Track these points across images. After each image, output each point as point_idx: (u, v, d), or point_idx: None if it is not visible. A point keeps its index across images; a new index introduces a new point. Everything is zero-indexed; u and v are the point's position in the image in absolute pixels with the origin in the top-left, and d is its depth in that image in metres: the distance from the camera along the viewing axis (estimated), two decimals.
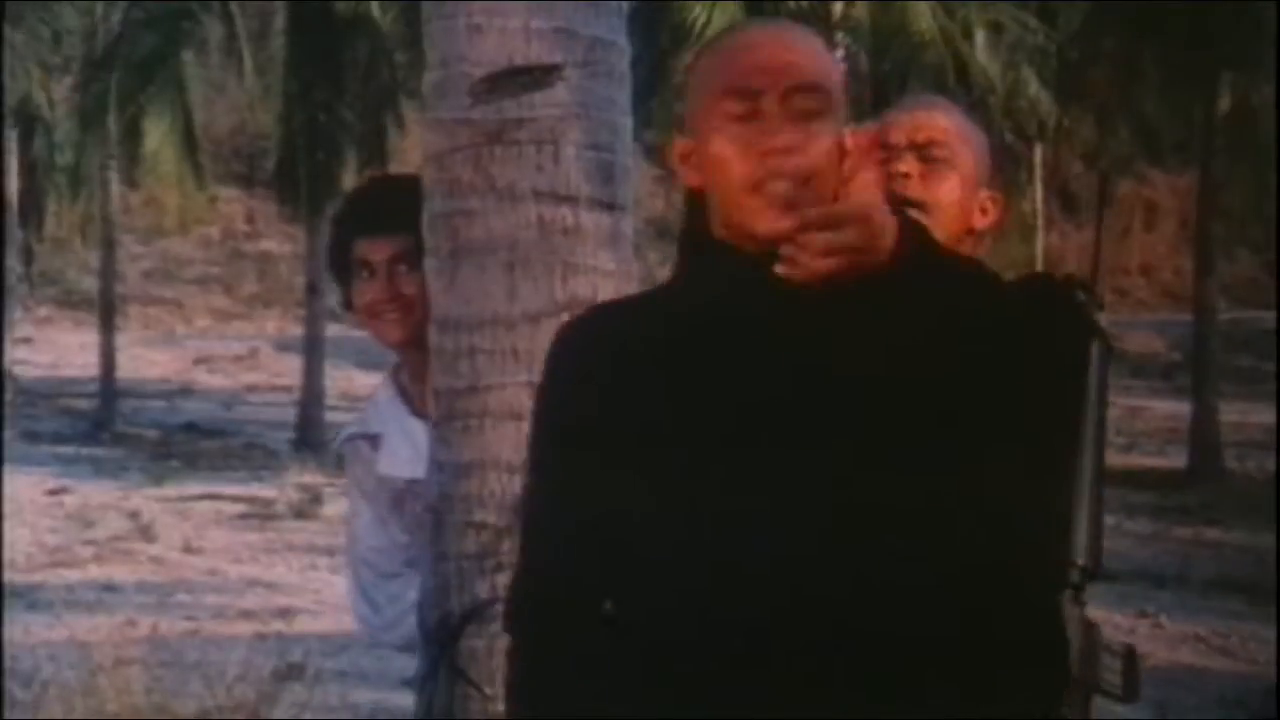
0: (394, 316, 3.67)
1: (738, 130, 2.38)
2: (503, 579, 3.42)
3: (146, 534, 16.49)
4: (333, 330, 25.67)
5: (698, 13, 22.17)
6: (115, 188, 27.08)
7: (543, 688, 2.40)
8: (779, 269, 2.34)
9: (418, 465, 3.61)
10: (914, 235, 2.42)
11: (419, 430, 3.64)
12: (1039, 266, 27.88)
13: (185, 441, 24.61)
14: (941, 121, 3.01)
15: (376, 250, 3.66)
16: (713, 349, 2.39)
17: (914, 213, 2.78)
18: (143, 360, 29.61)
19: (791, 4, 22.97)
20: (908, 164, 3.01)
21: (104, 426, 25.50)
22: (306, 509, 17.99)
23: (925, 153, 3.03)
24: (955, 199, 3.00)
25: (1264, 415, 23.71)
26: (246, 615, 12.50)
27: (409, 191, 3.66)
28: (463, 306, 3.56)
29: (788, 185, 2.36)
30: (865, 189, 2.77)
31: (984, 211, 3.09)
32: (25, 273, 30.32)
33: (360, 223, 3.72)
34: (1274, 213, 24.37)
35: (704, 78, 2.45)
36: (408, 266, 3.64)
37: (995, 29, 23.79)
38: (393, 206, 3.67)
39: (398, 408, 3.74)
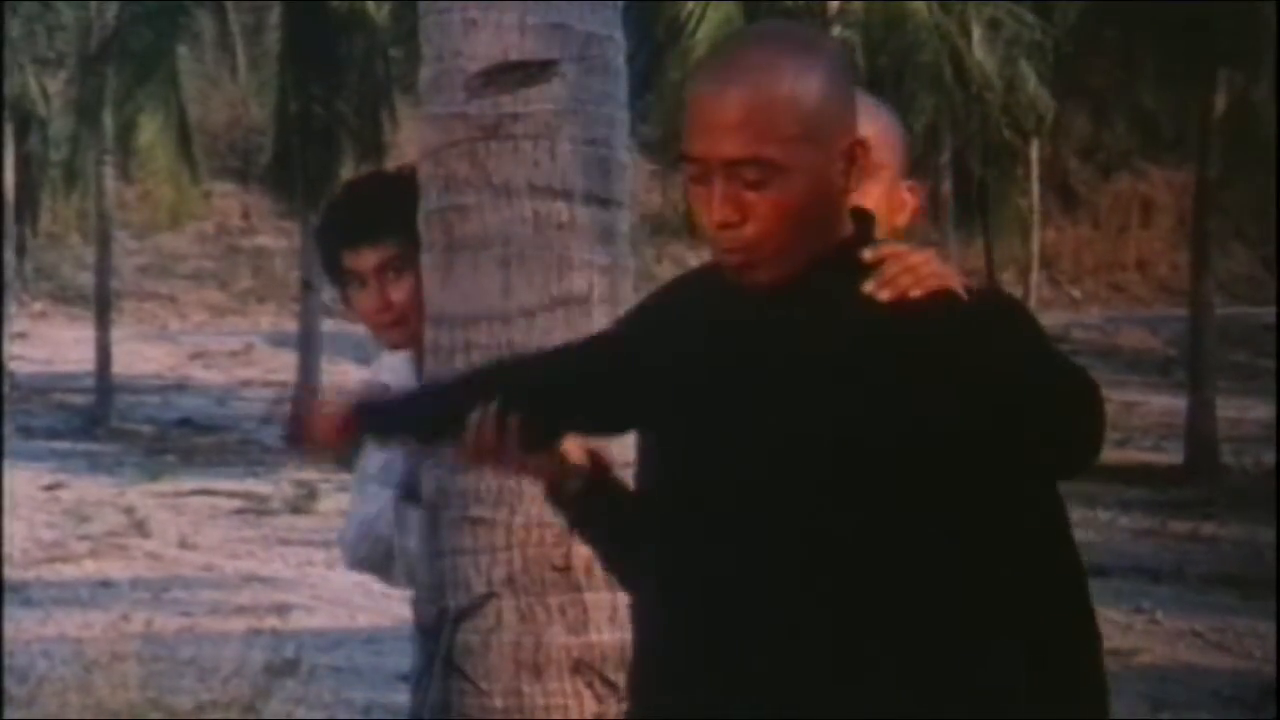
0: (390, 322, 3.69)
1: (696, 189, 2.37)
2: (499, 574, 3.54)
3: (142, 529, 16.49)
4: (328, 325, 25.66)
5: (691, 7, 22.10)
6: (110, 183, 26.97)
7: None
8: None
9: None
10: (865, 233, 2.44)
11: None
12: (1035, 263, 27.94)
13: (180, 437, 24.57)
14: (867, 132, 2.95)
15: (361, 260, 3.65)
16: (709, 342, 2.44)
17: None
18: (138, 355, 29.47)
19: (787, 1, 22.94)
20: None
21: (99, 422, 25.45)
22: (302, 504, 17.98)
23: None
24: (881, 207, 2.87)
25: (1260, 410, 23.76)
26: (242, 611, 12.48)
27: (388, 194, 3.71)
28: (458, 302, 3.58)
29: (734, 250, 2.36)
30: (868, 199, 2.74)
31: (904, 204, 3.03)
32: (19, 268, 30.27)
33: (341, 235, 3.70)
34: (1271, 208, 24.35)
35: (687, 110, 2.41)
36: (395, 272, 3.65)
37: (993, 25, 23.77)
38: (371, 214, 3.68)
39: (407, 372, 3.74)
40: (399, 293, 3.65)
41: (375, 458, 3.71)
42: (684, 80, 21.96)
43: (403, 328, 3.68)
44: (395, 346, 3.74)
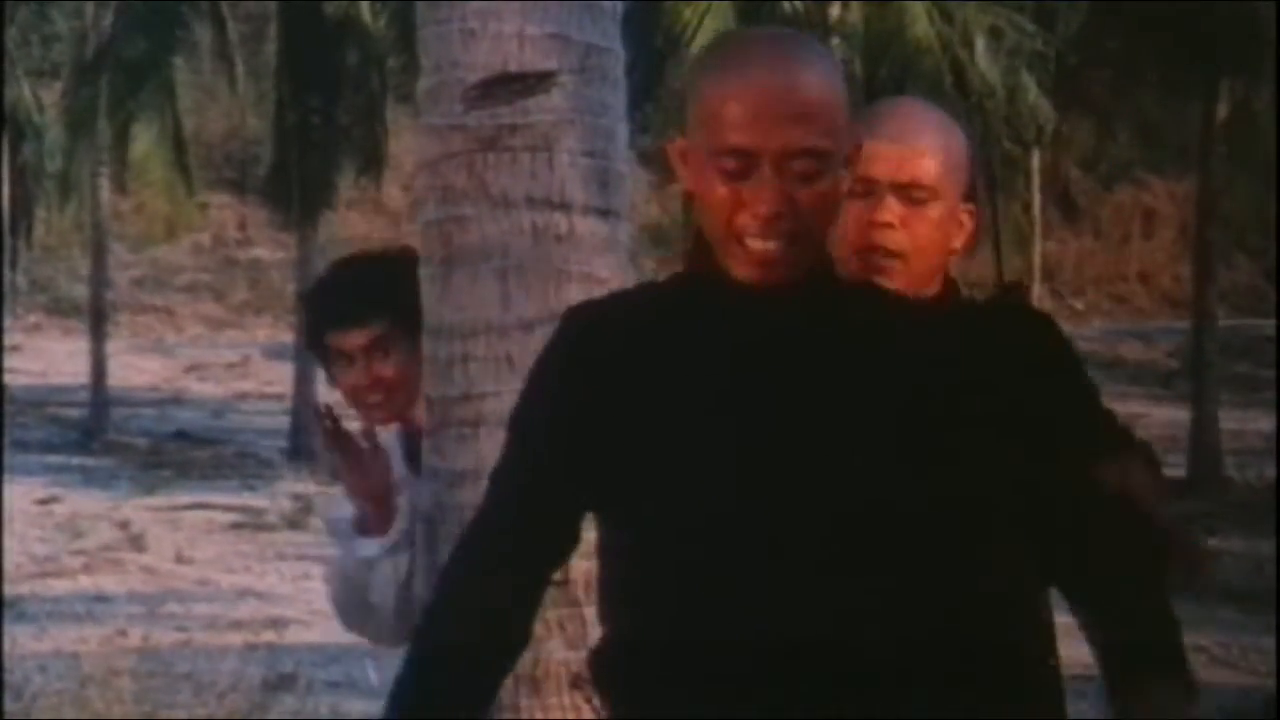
0: (376, 400, 3.68)
1: (730, 184, 2.34)
2: None
3: (137, 544, 16.54)
4: None
5: (688, 16, 22.03)
6: (105, 194, 26.99)
7: None
8: None
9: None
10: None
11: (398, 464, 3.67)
12: (1037, 274, 27.90)
13: (176, 450, 24.57)
14: (928, 162, 2.83)
15: (349, 340, 3.66)
16: (703, 359, 2.41)
17: (891, 262, 2.79)
18: (133, 368, 29.52)
19: (786, 6, 22.91)
20: (889, 211, 2.83)
21: (94, 435, 25.44)
22: (299, 518, 17.96)
23: (909, 194, 2.85)
24: (936, 236, 2.86)
25: (1264, 423, 23.71)
26: (238, 625, 12.52)
27: (377, 273, 3.71)
28: (456, 313, 3.59)
29: (775, 245, 2.34)
30: (846, 227, 2.74)
31: (961, 227, 2.93)
32: (13, 280, 30.24)
33: (329, 315, 3.71)
34: (1273, 219, 24.33)
35: (706, 104, 2.38)
36: (384, 352, 3.66)
37: (994, 34, 23.73)
38: (360, 295, 3.68)
39: (395, 444, 3.73)
40: (387, 370, 3.66)
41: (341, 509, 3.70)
42: (688, 76, 21.99)
43: (388, 404, 3.69)
44: (379, 422, 3.70)
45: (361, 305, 3.65)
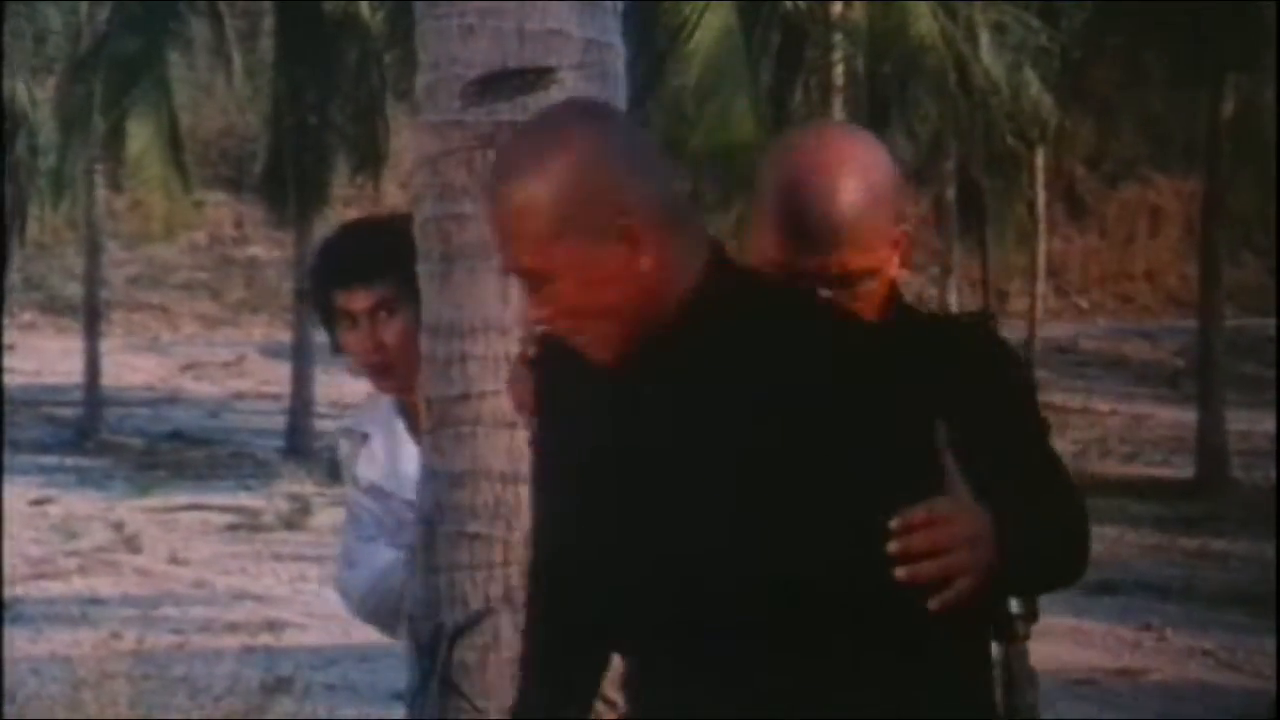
0: (380, 364, 3.80)
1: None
2: (495, 590, 3.57)
3: (131, 545, 16.52)
4: (322, 336, 25.39)
5: (687, 12, 21.95)
6: (100, 191, 27.02)
7: None
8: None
9: (392, 478, 3.80)
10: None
11: (404, 444, 3.81)
12: (1041, 273, 27.79)
13: (171, 450, 24.53)
14: (858, 255, 2.67)
15: (355, 301, 3.77)
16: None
17: None
18: (128, 367, 29.57)
19: (788, 5, 22.91)
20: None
21: (88, 435, 25.39)
22: (295, 519, 18.01)
23: (847, 282, 2.70)
24: (877, 295, 2.74)
25: (1271, 423, 23.71)
26: (234, 628, 12.54)
27: (383, 237, 3.81)
28: (454, 311, 3.59)
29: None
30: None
31: (897, 257, 2.78)
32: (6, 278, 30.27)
33: (335, 275, 3.82)
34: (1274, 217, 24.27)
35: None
36: (388, 313, 3.76)
37: (998, 30, 23.67)
38: (366, 256, 3.79)
39: (391, 416, 3.88)
40: (390, 334, 3.75)
41: (347, 461, 3.85)
42: (682, 89, 22.04)
43: (392, 372, 3.78)
44: (385, 390, 3.82)
45: (368, 266, 3.74)
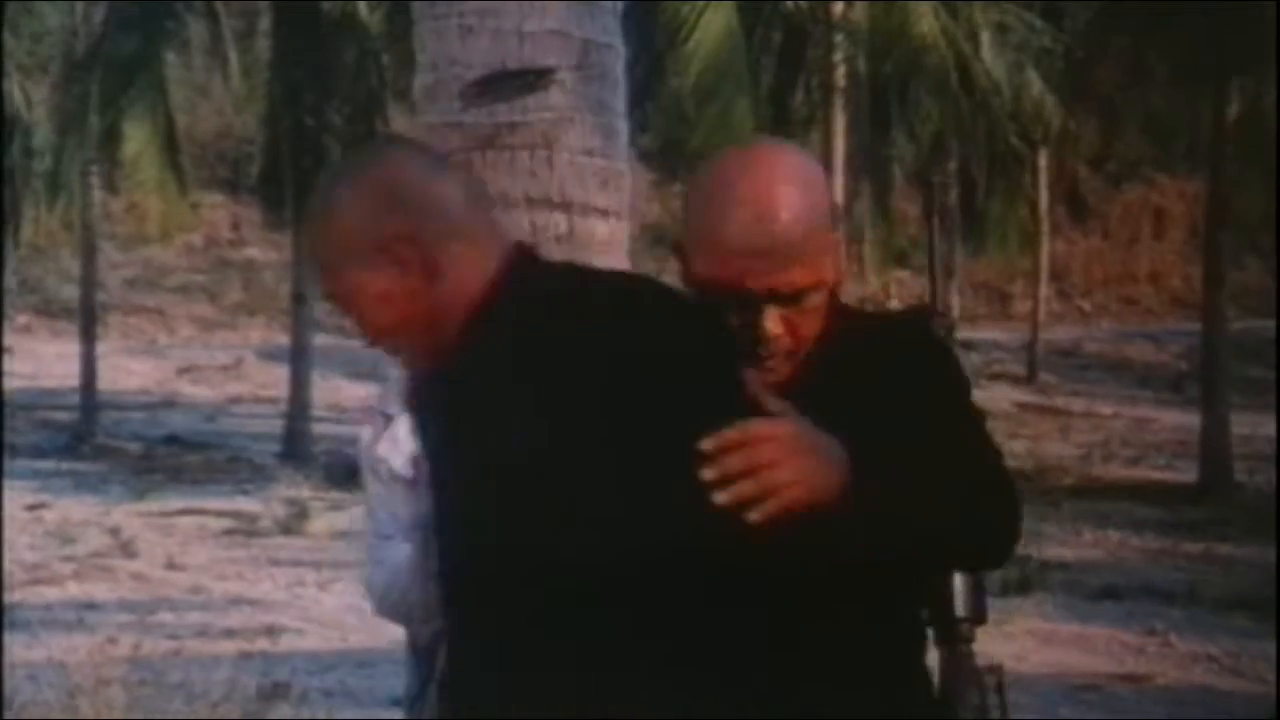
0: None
1: None
2: None
3: (128, 550, 16.44)
4: (320, 340, 25.81)
5: (687, 13, 21.90)
6: (96, 193, 27.00)
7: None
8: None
9: (417, 464, 3.65)
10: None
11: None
12: (1044, 275, 27.77)
13: (168, 454, 24.46)
14: (806, 272, 2.70)
15: None
16: None
17: (783, 362, 2.74)
18: (124, 371, 29.61)
19: (789, 5, 22.89)
20: (773, 322, 2.71)
21: (84, 439, 25.34)
22: (293, 524, 17.91)
23: (798, 298, 2.72)
24: (820, 309, 2.77)
25: (1275, 427, 23.53)
26: (231, 634, 12.47)
27: None
28: None
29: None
30: None
31: (835, 265, 2.81)
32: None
33: None
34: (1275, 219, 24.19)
35: None
36: None
37: (1000, 30, 23.64)
38: None
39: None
40: None
41: (368, 442, 3.72)
42: (681, 89, 22.01)
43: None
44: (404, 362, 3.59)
45: None
